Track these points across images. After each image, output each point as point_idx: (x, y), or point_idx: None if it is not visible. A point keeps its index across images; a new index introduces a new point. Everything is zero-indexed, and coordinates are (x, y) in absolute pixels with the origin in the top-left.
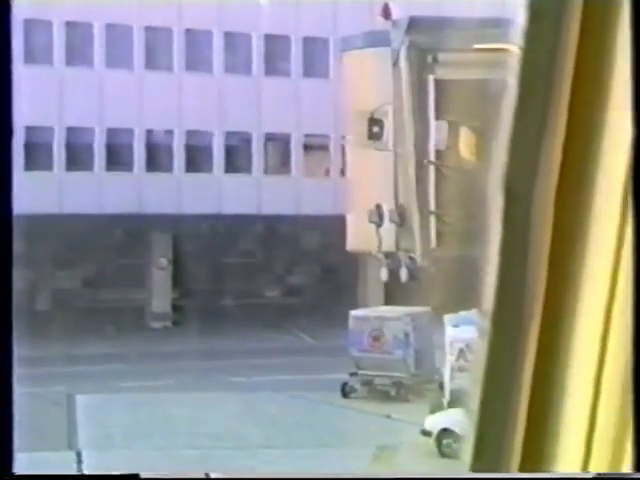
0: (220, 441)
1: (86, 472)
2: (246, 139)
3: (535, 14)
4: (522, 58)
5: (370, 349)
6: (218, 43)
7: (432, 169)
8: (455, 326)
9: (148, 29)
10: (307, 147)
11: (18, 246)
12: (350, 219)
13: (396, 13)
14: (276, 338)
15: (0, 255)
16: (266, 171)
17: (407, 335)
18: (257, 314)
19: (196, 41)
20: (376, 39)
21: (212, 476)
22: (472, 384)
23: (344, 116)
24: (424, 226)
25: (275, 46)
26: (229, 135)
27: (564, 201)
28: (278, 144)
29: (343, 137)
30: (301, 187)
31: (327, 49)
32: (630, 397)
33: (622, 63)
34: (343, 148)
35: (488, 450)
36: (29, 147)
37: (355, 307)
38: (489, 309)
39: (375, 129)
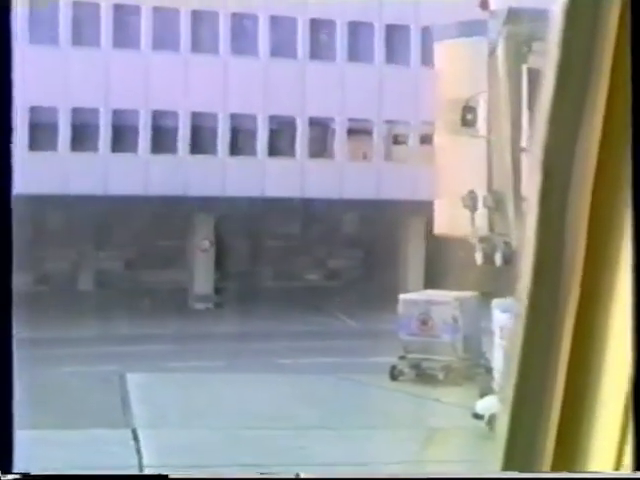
0: (274, 422)
1: (144, 450)
2: (290, 123)
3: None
4: (562, 39)
5: (419, 332)
6: (264, 26)
7: (525, 156)
8: (503, 311)
9: (194, 13)
10: (349, 131)
11: (62, 226)
12: (439, 204)
13: (493, 4)
14: (318, 321)
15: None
16: (309, 155)
17: (455, 319)
18: (298, 297)
19: (242, 25)
20: (471, 29)
21: (302, 476)
22: (507, 368)
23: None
24: (519, 211)
25: (321, 28)
26: (273, 119)
27: (602, 182)
28: (321, 128)
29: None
30: (344, 171)
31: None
32: None
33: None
34: (391, 133)
35: (520, 449)
36: (76, 129)
37: (395, 291)
38: (525, 291)
39: (469, 116)
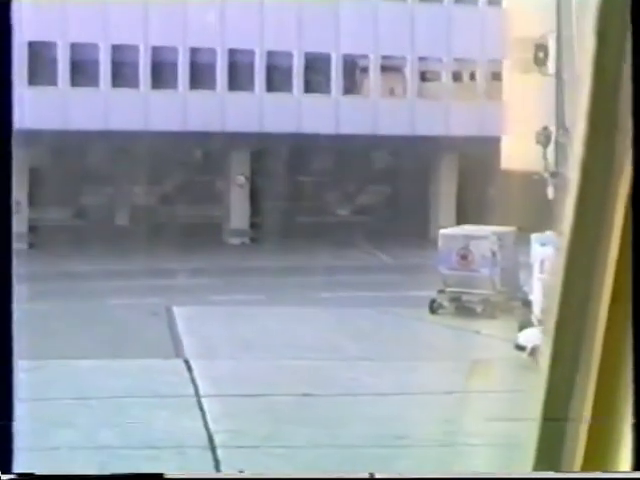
0: (320, 353)
1: (198, 380)
2: (325, 60)
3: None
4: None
5: (458, 267)
6: None
7: None
8: (542, 245)
9: None
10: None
11: (98, 162)
12: (507, 140)
13: None
14: (352, 256)
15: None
16: (345, 91)
17: (494, 253)
18: (329, 232)
19: None
20: None
21: (377, 476)
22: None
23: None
24: None
25: None
26: (308, 56)
27: None
28: (354, 65)
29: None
30: (378, 107)
31: None
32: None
33: None
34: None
35: (551, 448)
36: (116, 66)
37: (426, 227)
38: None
39: (541, 55)
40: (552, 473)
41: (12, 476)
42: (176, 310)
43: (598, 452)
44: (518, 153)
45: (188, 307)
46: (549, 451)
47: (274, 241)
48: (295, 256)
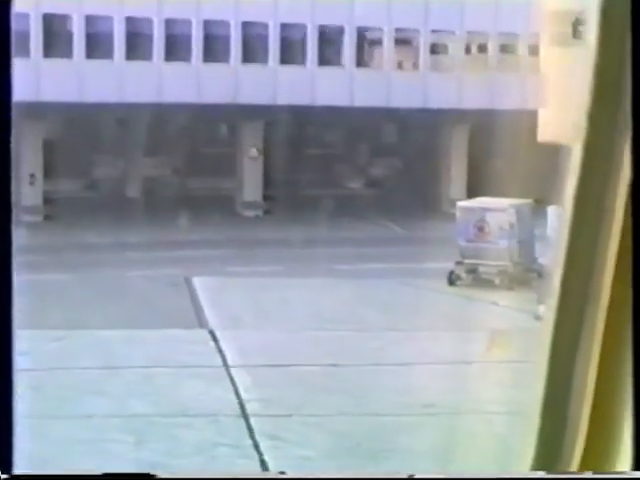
0: (344, 324)
1: (225, 350)
2: (338, 32)
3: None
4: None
5: (475, 239)
6: None
7: None
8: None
9: None
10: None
11: (111, 135)
12: (544, 113)
13: None
14: (365, 228)
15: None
16: (357, 64)
17: (511, 226)
18: (341, 204)
19: None
20: None
21: (417, 476)
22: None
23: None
24: None
25: None
26: (321, 28)
27: None
28: (367, 38)
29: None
30: (391, 80)
31: None
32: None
33: None
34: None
35: (550, 447)
36: (131, 39)
37: (438, 199)
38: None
39: (580, 29)
40: (551, 473)
41: (11, 476)
42: (196, 281)
43: (597, 452)
44: (556, 126)
45: (207, 278)
46: (547, 450)
47: (287, 213)
48: (308, 228)
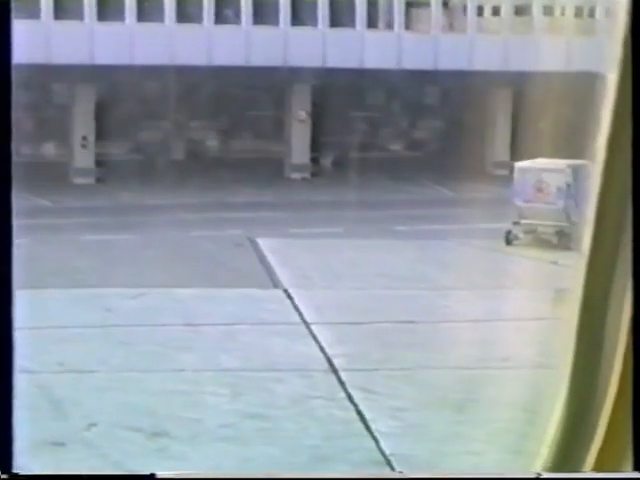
0: (410, 282)
1: (301, 308)
2: None
3: None
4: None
5: (533, 199)
6: None
7: None
8: None
9: None
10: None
11: (159, 98)
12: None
13: None
14: (413, 190)
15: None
16: (407, 27)
17: (569, 186)
18: (385, 167)
19: None
20: None
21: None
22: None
23: None
24: None
25: None
26: None
27: None
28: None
29: None
30: (438, 42)
31: None
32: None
33: None
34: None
35: (565, 447)
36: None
37: (481, 161)
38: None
39: None
40: (551, 473)
41: (11, 476)
42: (260, 242)
43: (597, 452)
44: None
45: (271, 239)
46: (561, 449)
47: (333, 176)
48: (357, 190)
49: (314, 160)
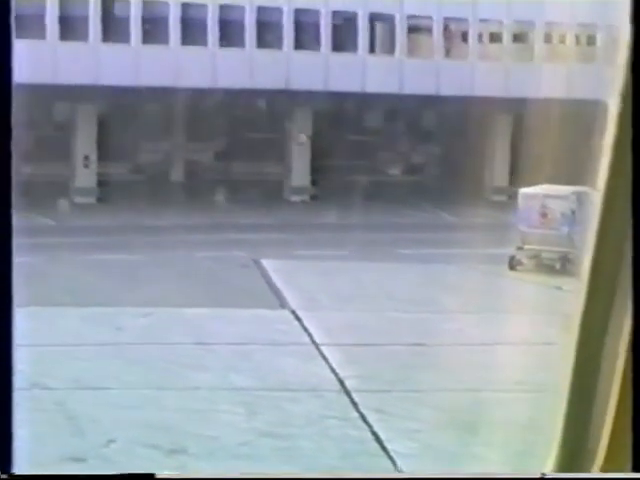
0: (419, 306)
1: (310, 329)
2: (389, 20)
3: None
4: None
5: (538, 225)
6: None
7: None
8: None
9: None
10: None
11: (161, 119)
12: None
13: None
14: (413, 214)
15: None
16: (409, 53)
17: (573, 212)
18: (384, 191)
19: None
20: None
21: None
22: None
23: None
24: None
25: None
26: (372, 16)
27: None
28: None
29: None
30: (440, 69)
31: None
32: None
33: None
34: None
35: (573, 449)
36: (185, 24)
37: (480, 186)
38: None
39: None
40: (550, 474)
41: (11, 476)
42: (265, 263)
43: (597, 452)
44: None
45: (276, 260)
46: (568, 451)
47: (333, 199)
48: (358, 214)
49: (313, 183)
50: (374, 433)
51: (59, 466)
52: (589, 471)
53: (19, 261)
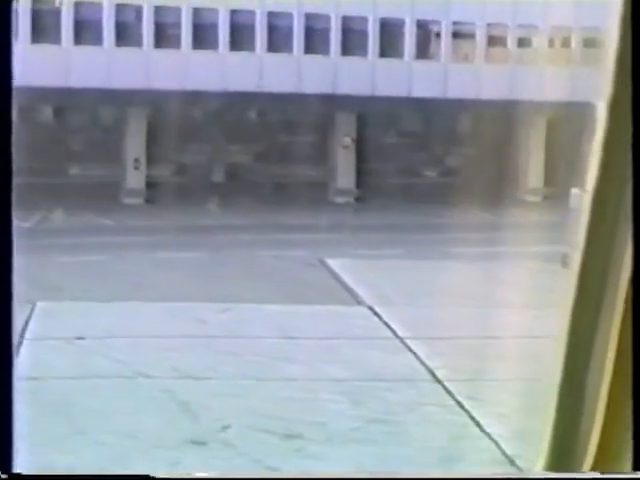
0: (481, 300)
1: (391, 324)
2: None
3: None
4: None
5: None
6: None
7: None
8: None
9: None
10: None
11: (207, 122)
12: None
13: None
14: (453, 214)
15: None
16: (454, 59)
17: None
18: (422, 192)
19: None
20: None
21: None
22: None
23: None
24: None
25: None
26: (419, 23)
27: None
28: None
29: None
30: (482, 73)
31: None
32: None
33: None
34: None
35: (563, 448)
36: (234, 29)
37: (515, 188)
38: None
39: None
40: (550, 473)
41: (11, 476)
42: (330, 262)
43: (598, 452)
44: None
45: (339, 259)
46: (559, 450)
47: (376, 200)
48: (402, 214)
49: (357, 185)
50: (472, 418)
51: (183, 448)
52: (580, 470)
53: (88, 260)
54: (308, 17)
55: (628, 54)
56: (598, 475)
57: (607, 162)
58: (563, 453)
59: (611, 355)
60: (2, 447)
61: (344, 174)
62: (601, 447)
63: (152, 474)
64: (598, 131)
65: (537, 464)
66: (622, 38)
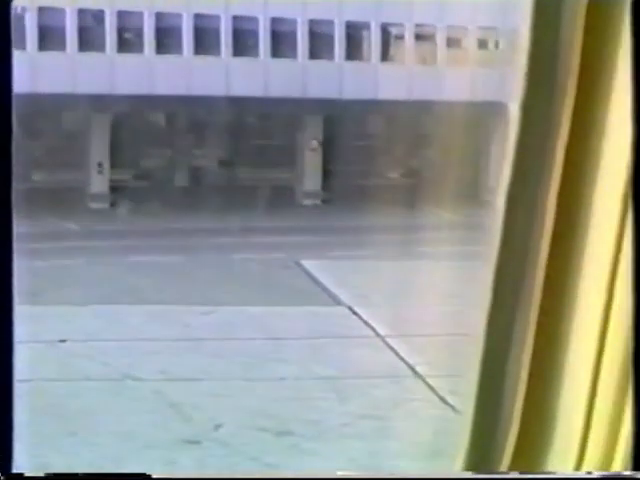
0: (458, 299)
1: (370, 322)
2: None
3: (540, 12)
4: (529, 54)
5: None
6: None
7: None
8: None
9: None
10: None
11: (163, 124)
12: None
13: None
14: (417, 215)
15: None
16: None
17: None
18: (386, 193)
19: None
20: None
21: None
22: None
23: None
24: None
25: None
26: (384, 26)
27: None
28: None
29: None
30: (444, 75)
31: None
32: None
33: (624, 64)
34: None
35: (482, 447)
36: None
37: (475, 187)
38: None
39: None
40: (549, 473)
41: (11, 476)
42: (305, 263)
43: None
44: None
45: (314, 261)
46: (480, 448)
47: (342, 202)
48: (369, 216)
49: (323, 187)
50: (457, 412)
51: (178, 448)
52: (498, 468)
53: (59, 264)
54: (274, 21)
55: (540, 55)
56: (599, 475)
57: (520, 162)
58: (481, 452)
59: (528, 353)
60: (2, 447)
61: (311, 177)
62: (519, 446)
63: (149, 473)
64: (511, 132)
65: (456, 463)
66: (533, 39)
